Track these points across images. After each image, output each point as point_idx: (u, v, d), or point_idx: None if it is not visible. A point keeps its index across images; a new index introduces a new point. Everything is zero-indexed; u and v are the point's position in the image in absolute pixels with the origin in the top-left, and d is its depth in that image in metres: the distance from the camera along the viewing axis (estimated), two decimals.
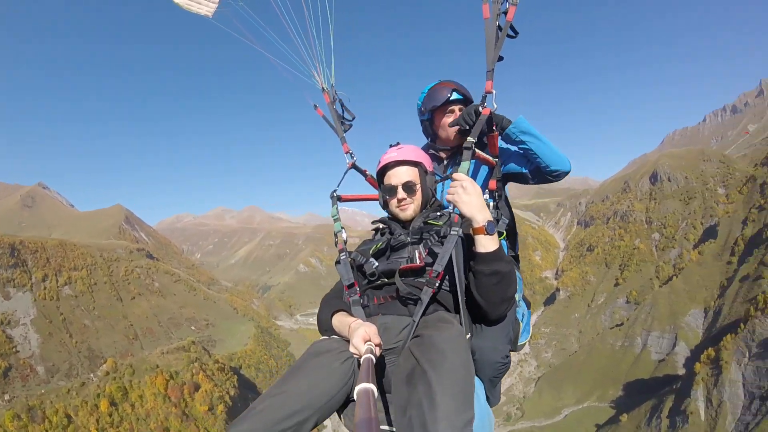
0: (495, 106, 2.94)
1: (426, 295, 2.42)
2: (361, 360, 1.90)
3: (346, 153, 3.68)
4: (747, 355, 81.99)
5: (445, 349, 2.06)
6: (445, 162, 3.53)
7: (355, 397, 1.42)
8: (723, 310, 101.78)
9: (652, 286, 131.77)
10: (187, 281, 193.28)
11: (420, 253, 2.61)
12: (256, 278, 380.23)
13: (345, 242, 3.04)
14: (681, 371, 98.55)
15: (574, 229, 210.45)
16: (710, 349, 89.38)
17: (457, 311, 2.53)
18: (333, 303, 2.67)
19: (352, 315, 2.53)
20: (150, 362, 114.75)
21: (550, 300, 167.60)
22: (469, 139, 2.81)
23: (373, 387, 1.45)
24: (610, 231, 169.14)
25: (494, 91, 2.91)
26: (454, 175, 2.60)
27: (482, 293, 2.44)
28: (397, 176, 2.88)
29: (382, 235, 2.96)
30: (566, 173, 3.12)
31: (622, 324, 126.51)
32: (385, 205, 3.01)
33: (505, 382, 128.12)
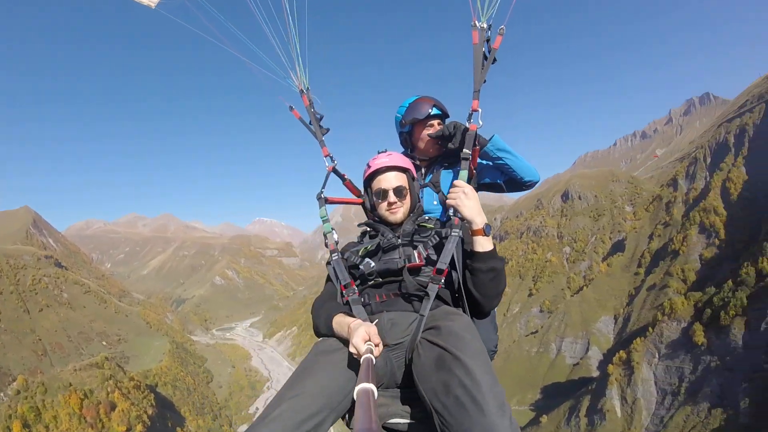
0: (481, 123, 3.16)
1: (433, 291, 2.60)
2: (361, 360, 1.89)
3: (326, 156, 3.72)
4: (657, 356, 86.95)
5: (465, 336, 2.29)
6: (423, 171, 3.73)
7: (354, 397, 1.43)
8: (632, 317, 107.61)
9: (564, 296, 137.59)
10: (97, 293, 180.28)
11: (420, 253, 2.76)
12: (169, 291, 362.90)
13: (336, 243, 3.10)
14: (595, 373, 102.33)
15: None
16: (621, 351, 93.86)
17: (456, 305, 2.79)
18: (330, 306, 2.69)
19: (350, 316, 2.52)
20: (63, 380, 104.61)
21: None
22: (465, 150, 3.08)
23: (373, 387, 1.44)
24: (523, 245, 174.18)
25: (480, 110, 3.16)
26: (456, 182, 2.91)
27: (479, 288, 2.68)
28: (388, 181, 3.02)
29: (371, 237, 3.07)
30: (537, 182, 3.46)
31: (536, 332, 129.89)
32: (373, 209, 3.14)
33: None
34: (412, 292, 2.65)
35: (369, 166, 3.12)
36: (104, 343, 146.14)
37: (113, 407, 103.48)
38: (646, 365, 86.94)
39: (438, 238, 2.80)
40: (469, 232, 2.77)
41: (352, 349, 2.09)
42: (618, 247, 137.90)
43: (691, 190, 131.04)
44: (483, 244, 2.67)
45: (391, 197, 2.99)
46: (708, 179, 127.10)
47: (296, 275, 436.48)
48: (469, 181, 3.09)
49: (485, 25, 3.28)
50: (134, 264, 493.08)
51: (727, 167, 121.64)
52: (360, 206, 3.68)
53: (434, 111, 3.59)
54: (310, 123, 3.93)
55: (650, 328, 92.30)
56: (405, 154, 3.75)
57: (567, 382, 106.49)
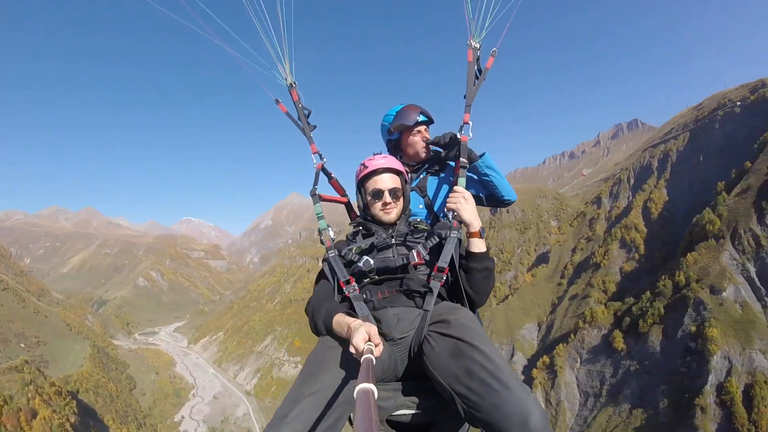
0: (471, 135, 3.37)
1: (436, 287, 2.71)
2: (361, 360, 1.87)
3: (315, 153, 3.72)
4: (579, 360, 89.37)
5: (474, 327, 2.45)
6: (410, 176, 3.77)
7: (354, 397, 1.44)
8: (555, 324, 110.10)
9: (490, 304, 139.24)
10: (16, 290, 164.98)
11: (419, 252, 2.85)
12: (90, 291, 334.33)
13: (333, 240, 3.12)
14: (520, 378, 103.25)
15: None
16: (545, 356, 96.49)
17: (453, 300, 2.91)
18: (330, 306, 2.66)
19: (348, 316, 2.52)
20: None
21: None
22: (463, 159, 3.22)
23: (373, 387, 1.46)
24: None
25: (471, 123, 3.38)
26: (456, 188, 3.07)
27: (473, 286, 2.86)
28: (384, 182, 3.11)
29: (364, 236, 3.11)
30: (513, 202, 3.64)
31: None
32: (366, 208, 3.20)
33: None
34: (416, 288, 2.74)
35: (366, 166, 3.15)
36: (23, 345, 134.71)
37: (34, 415, 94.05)
38: (568, 369, 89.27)
39: (437, 239, 2.89)
40: (465, 234, 2.97)
41: (352, 349, 2.06)
42: (542, 258, 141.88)
43: (614, 208, 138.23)
44: (479, 246, 2.87)
45: (387, 198, 3.06)
46: (631, 199, 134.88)
47: (223, 279, 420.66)
48: (450, 191, 3.38)
49: (478, 45, 3.55)
50: (54, 261, 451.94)
51: (649, 188, 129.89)
52: (343, 206, 3.83)
53: (422, 118, 3.66)
54: (298, 119, 3.85)
55: (572, 335, 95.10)
56: None
57: None
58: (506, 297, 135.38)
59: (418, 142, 3.72)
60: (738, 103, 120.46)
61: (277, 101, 3.89)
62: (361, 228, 3.18)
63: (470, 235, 2.94)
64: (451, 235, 2.87)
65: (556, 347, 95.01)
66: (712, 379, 67.05)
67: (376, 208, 3.11)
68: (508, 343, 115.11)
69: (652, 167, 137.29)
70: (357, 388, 1.43)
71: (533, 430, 1.92)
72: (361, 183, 3.19)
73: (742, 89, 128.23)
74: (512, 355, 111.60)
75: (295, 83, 3.89)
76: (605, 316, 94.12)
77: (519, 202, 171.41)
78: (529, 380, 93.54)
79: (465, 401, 2.16)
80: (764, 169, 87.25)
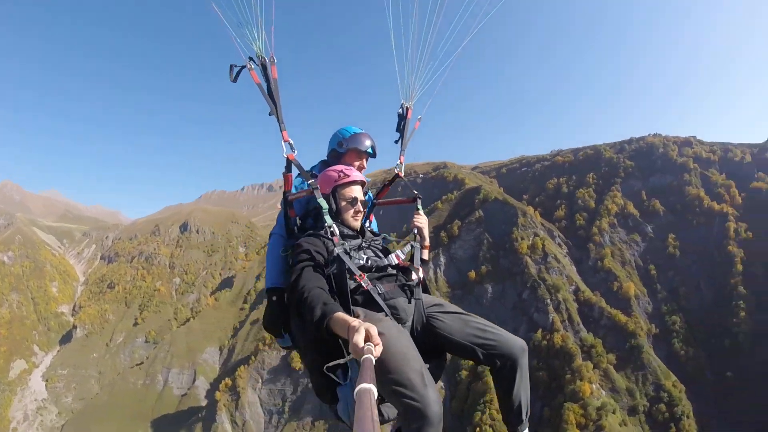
0: (402, 174, 4.56)
1: (419, 282, 3.48)
2: (361, 360, 1.97)
3: (286, 142, 3.72)
4: (260, 381, 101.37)
5: (458, 307, 3.48)
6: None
7: (354, 397, 1.47)
8: (236, 348, 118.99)
9: (171, 327, 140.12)
10: None
11: (398, 256, 3.64)
12: None
13: (339, 235, 3.32)
14: (204, 402, 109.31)
15: (96, 263, 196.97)
16: (228, 379, 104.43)
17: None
18: (329, 301, 2.77)
19: (346, 314, 2.60)
20: None
21: (66, 338, 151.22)
22: (415, 191, 4.26)
23: (373, 387, 1.48)
24: (133, 270, 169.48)
25: (403, 163, 4.54)
26: (419, 212, 4.06)
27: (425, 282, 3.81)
28: (358, 192, 3.61)
29: (343, 237, 3.43)
30: None
31: (142, 363, 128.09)
32: (337, 212, 3.53)
33: None
34: (408, 283, 3.35)
35: (347, 175, 3.55)
36: None
37: None
38: (251, 390, 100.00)
39: (410, 248, 3.76)
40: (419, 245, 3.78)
41: (351, 349, 2.16)
42: (227, 283, 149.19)
43: None
44: (427, 255, 3.80)
45: (359, 206, 3.57)
46: None
47: None
48: (372, 207, 4.30)
49: (408, 106, 4.45)
50: None
51: None
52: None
53: (371, 151, 4.10)
54: (270, 98, 3.76)
55: (253, 357, 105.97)
56: (319, 167, 4.12)
57: (177, 413, 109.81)
58: (188, 320, 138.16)
59: (356, 167, 4.02)
60: (421, 175, 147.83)
61: (250, 68, 3.73)
62: (340, 230, 3.40)
63: (424, 246, 3.80)
64: (416, 245, 3.72)
65: (238, 369, 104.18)
66: None
67: (349, 214, 3.52)
68: (190, 368, 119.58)
69: None
70: (357, 388, 1.46)
71: (525, 348, 3.18)
72: (337, 189, 3.53)
73: (428, 165, 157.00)
74: (194, 380, 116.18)
75: (272, 58, 3.79)
76: None
77: (211, 223, 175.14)
78: (212, 403, 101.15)
79: (484, 348, 3.14)
80: (430, 229, 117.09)
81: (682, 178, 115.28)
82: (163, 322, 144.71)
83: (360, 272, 3.13)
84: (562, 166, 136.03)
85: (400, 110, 4.48)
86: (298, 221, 3.79)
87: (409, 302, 3.25)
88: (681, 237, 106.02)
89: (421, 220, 3.95)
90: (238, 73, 3.77)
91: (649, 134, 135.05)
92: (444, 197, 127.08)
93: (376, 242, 3.60)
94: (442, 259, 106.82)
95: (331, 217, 3.42)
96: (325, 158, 4.19)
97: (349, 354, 2.24)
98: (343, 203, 3.51)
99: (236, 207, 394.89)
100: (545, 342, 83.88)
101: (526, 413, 3.27)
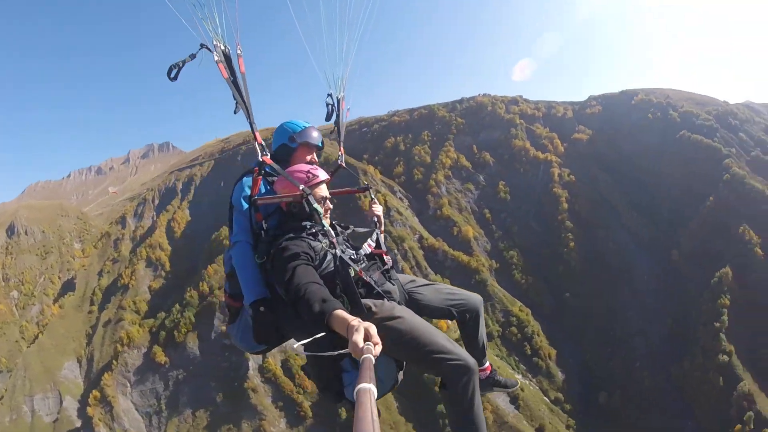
0: (344, 164, 4.73)
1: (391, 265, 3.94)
2: (361, 359, 1.98)
3: (260, 144, 3.86)
4: (129, 385, 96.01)
5: (423, 279, 4.19)
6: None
7: (354, 396, 1.46)
8: (95, 356, 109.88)
9: (21, 349, 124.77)
10: None
11: (370, 244, 4.07)
12: None
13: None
14: (78, 422, 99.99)
15: None
16: (95, 391, 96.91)
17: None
18: (328, 297, 2.83)
19: (344, 311, 2.65)
20: None
21: None
22: (365, 183, 4.69)
23: (373, 387, 1.48)
24: None
25: (344, 154, 4.78)
26: (375, 203, 4.47)
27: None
28: (326, 191, 3.87)
29: (322, 233, 3.63)
30: None
31: (2, 397, 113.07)
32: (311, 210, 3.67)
33: None
34: (386, 268, 3.77)
35: (315, 176, 3.72)
36: None
37: None
38: (121, 397, 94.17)
39: (375, 235, 4.14)
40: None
41: (351, 348, 2.18)
42: (68, 286, 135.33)
43: (138, 227, 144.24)
44: (381, 238, 4.19)
45: (329, 204, 3.80)
46: (155, 218, 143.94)
47: None
48: None
49: (340, 97, 4.65)
50: None
51: (173, 209, 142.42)
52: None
53: (321, 144, 4.26)
54: (243, 98, 3.81)
55: (115, 361, 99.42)
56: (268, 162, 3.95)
57: None
58: (36, 337, 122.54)
59: (308, 161, 4.16)
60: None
61: (218, 62, 3.65)
62: (330, 230, 3.61)
63: (381, 232, 4.25)
64: (378, 231, 4.16)
65: (102, 378, 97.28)
66: (253, 364, 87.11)
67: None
68: (53, 389, 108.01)
69: (176, 189, 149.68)
70: (357, 388, 1.45)
71: (482, 300, 3.98)
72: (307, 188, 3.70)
73: (267, 131, 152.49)
74: (61, 401, 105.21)
75: (238, 51, 3.67)
76: (142, 336, 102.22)
77: (39, 221, 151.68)
78: (87, 421, 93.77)
79: (456, 307, 3.79)
80: None
81: (509, 132, 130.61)
82: (11, 345, 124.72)
83: (359, 267, 3.49)
84: (398, 125, 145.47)
85: (330, 100, 4.73)
86: (264, 225, 3.75)
87: (393, 285, 3.64)
88: (510, 183, 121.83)
89: (378, 208, 4.46)
90: (181, 68, 3.79)
91: (479, 94, 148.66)
92: None
93: (345, 235, 3.90)
94: None
95: (307, 218, 3.66)
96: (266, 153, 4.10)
97: (336, 348, 2.47)
98: (318, 203, 3.69)
99: (64, 197, 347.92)
100: None
101: (486, 348, 4.15)
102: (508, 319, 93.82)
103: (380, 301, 3.39)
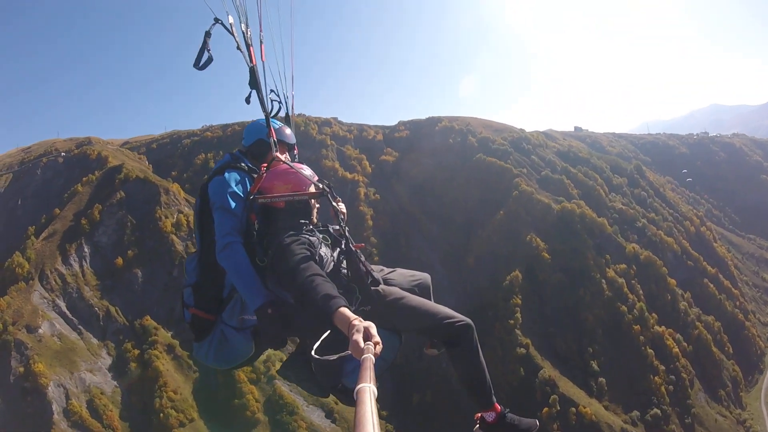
0: (292, 156, 4.41)
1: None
2: (361, 359, 1.93)
3: (273, 140, 3.88)
4: None
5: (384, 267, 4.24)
6: (254, 177, 3.91)
7: (354, 396, 1.44)
8: None
9: None
10: None
11: (350, 240, 3.90)
12: None
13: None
14: None
15: None
16: None
17: None
18: (334, 293, 2.76)
19: (348, 310, 2.59)
20: None
21: None
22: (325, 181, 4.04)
23: (373, 386, 1.46)
24: None
25: (297, 153, 4.76)
26: (339, 201, 3.99)
27: None
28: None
29: (311, 231, 3.63)
30: None
31: None
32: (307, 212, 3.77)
33: None
34: (365, 261, 3.73)
35: (313, 174, 3.76)
36: None
37: None
38: None
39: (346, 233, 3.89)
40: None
41: (351, 348, 2.14)
42: None
43: None
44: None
45: (316, 203, 3.78)
46: None
47: None
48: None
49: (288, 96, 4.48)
50: None
51: None
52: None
53: (294, 141, 4.19)
54: (267, 91, 3.95)
55: None
56: (235, 157, 3.96)
57: None
58: None
59: (280, 161, 3.79)
60: (63, 154, 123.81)
61: (245, 52, 3.84)
62: (307, 225, 3.63)
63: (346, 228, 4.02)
64: (345, 227, 3.86)
65: None
66: (56, 407, 73.33)
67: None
68: None
69: None
70: (357, 387, 1.43)
71: (430, 277, 4.14)
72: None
73: (71, 142, 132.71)
74: None
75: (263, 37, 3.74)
76: None
77: None
78: None
79: (419, 286, 3.92)
80: (70, 216, 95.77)
81: (320, 153, 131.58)
82: None
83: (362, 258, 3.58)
84: (211, 141, 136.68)
85: (276, 97, 4.42)
86: (256, 225, 3.47)
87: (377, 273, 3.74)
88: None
89: (342, 205, 4.00)
90: (209, 50, 3.97)
91: (295, 114, 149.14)
92: (85, 178, 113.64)
93: (334, 230, 3.80)
94: (86, 249, 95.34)
95: (304, 215, 3.63)
96: (237, 151, 4.06)
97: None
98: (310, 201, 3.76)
99: None
100: None
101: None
102: None
103: (383, 286, 3.64)
